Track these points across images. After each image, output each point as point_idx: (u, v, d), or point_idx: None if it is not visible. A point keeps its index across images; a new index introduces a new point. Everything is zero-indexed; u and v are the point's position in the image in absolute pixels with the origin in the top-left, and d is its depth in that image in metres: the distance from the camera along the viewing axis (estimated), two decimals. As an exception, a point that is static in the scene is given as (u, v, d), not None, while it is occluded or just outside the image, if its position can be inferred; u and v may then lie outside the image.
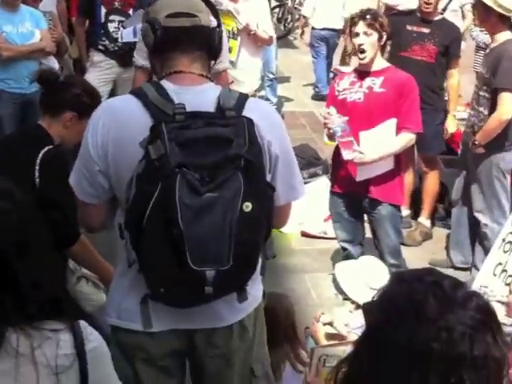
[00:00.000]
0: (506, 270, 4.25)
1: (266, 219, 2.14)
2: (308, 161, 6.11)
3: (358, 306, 3.93)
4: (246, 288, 2.19)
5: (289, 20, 12.89)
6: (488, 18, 4.53)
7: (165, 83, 2.17)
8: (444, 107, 5.44)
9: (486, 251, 4.61)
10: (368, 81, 4.03)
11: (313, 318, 3.80)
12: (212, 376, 2.34)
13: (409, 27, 5.28)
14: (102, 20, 5.75)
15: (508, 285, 4.17)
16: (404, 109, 4.02)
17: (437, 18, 5.36)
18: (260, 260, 2.22)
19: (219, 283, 2.01)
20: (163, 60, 2.24)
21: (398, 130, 4.04)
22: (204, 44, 2.23)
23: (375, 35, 3.95)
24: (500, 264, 4.32)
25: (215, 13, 2.33)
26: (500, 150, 4.58)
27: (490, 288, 4.14)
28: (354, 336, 3.54)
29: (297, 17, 12.52)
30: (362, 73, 4.08)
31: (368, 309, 1.29)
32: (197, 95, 2.15)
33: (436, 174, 5.54)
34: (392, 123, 4.02)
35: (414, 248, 5.22)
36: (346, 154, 3.96)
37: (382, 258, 4.26)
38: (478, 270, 4.58)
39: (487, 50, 4.77)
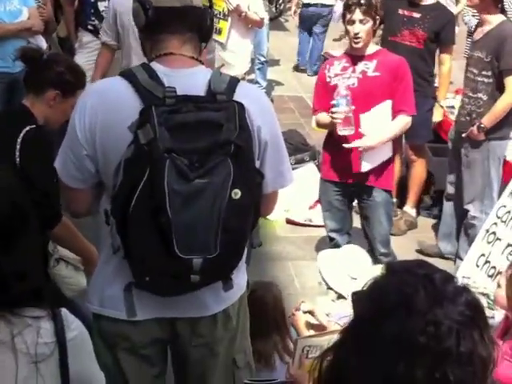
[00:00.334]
0: (489, 261, 4.29)
1: (254, 207, 2.12)
2: (295, 147, 6.09)
3: (339, 296, 3.94)
4: (232, 277, 2.18)
5: (280, 1, 12.79)
6: None
7: (155, 65, 2.13)
8: (433, 94, 5.39)
9: (471, 241, 4.65)
10: (361, 65, 4.00)
11: (295, 306, 3.81)
12: (195, 365, 2.33)
13: (400, 11, 5.21)
14: (92, -1, 5.68)
15: (491, 276, 4.20)
16: (400, 91, 4.02)
17: (429, 3, 5.24)
18: (246, 248, 2.21)
19: (206, 271, 2.00)
20: (153, 41, 2.20)
21: (395, 112, 4.04)
22: (195, 25, 2.19)
23: (370, 22, 3.93)
24: (483, 255, 4.35)
25: None
26: (498, 137, 4.59)
27: (473, 279, 4.18)
28: (334, 326, 3.56)
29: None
30: (354, 57, 4.04)
31: (356, 298, 1.29)
32: (187, 78, 2.11)
33: (423, 163, 5.54)
34: (388, 105, 4.00)
35: (399, 237, 5.22)
36: (343, 130, 3.89)
37: (372, 247, 4.26)
38: (462, 260, 4.61)
39: (479, 34, 4.69)
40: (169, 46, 2.17)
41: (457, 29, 6.22)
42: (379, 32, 4.88)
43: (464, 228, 4.79)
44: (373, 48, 4.08)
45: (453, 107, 5.64)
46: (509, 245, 4.22)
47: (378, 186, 4.13)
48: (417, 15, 5.18)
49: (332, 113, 3.88)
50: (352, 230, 4.48)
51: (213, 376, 2.35)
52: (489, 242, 4.37)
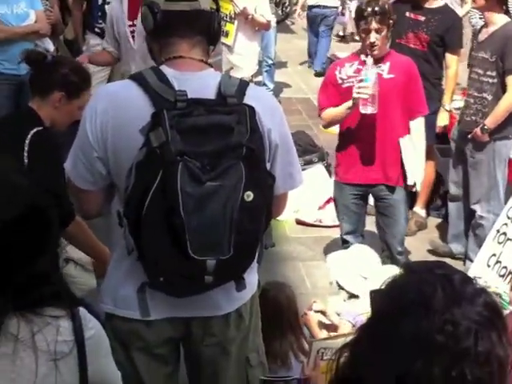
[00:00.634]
0: (500, 262, 4.27)
1: (266, 208, 2.12)
2: (304, 148, 6.08)
3: (351, 296, 3.93)
4: (244, 276, 2.18)
5: (286, 4, 12.82)
6: None
7: (164, 69, 2.14)
8: (440, 97, 5.36)
9: (479, 242, 4.63)
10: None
11: (306, 306, 3.80)
12: (208, 364, 2.33)
13: (407, 14, 5.19)
14: (100, 2, 5.70)
15: (502, 276, 4.18)
16: (415, 92, 4.04)
17: (435, 6, 5.22)
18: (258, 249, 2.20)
19: (219, 272, 2.01)
20: (162, 45, 2.21)
21: (413, 113, 4.06)
22: (204, 28, 2.19)
23: (385, 30, 3.93)
24: (494, 255, 4.33)
25: None
26: (503, 137, 4.58)
27: (484, 279, 4.15)
28: (346, 324, 3.55)
29: (294, 0, 12.50)
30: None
31: (375, 297, 1.29)
32: (197, 81, 2.11)
33: (432, 164, 5.51)
34: (422, 121, 4.12)
35: (409, 238, 5.21)
36: (366, 108, 3.83)
37: (388, 246, 4.26)
38: (471, 261, 4.59)
39: (484, 35, 4.68)
40: (178, 50, 2.17)
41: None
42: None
43: (472, 228, 4.78)
44: (384, 50, 4.08)
45: (460, 109, 5.61)
46: (520, 245, 4.20)
47: (399, 184, 4.13)
48: (421, 18, 5.18)
49: (358, 88, 3.81)
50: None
51: (226, 375, 2.36)
52: (500, 243, 4.34)
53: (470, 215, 4.82)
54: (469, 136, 4.63)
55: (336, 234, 5.25)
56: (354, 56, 4.12)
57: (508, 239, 4.29)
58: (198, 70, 2.16)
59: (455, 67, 5.27)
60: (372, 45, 3.90)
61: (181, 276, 2.04)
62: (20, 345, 1.42)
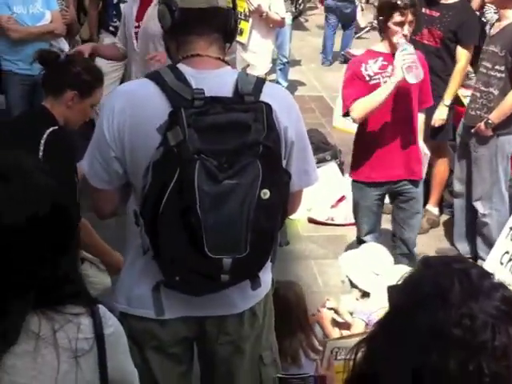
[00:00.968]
0: (513, 259, 4.27)
1: (282, 206, 2.13)
2: (317, 146, 6.07)
3: (363, 294, 3.93)
4: (259, 275, 2.20)
5: (300, 1, 12.77)
6: None
7: (182, 67, 2.14)
8: None
9: (486, 240, 4.62)
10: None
11: (319, 304, 3.81)
12: (222, 363, 2.35)
13: (423, 9, 5.07)
14: (115, 1, 5.73)
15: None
16: (425, 83, 4.05)
17: (450, 1, 5.13)
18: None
19: (235, 271, 2.02)
20: (179, 43, 2.21)
21: (421, 105, 4.08)
22: (221, 26, 2.19)
23: (414, 22, 3.93)
24: (507, 253, 4.32)
25: None
26: (507, 133, 4.55)
27: (497, 277, 4.15)
28: (359, 323, 3.56)
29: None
30: (391, 55, 3.95)
31: (392, 291, 1.30)
32: (214, 79, 2.12)
33: (445, 162, 5.50)
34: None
35: (421, 235, 5.20)
36: (413, 76, 3.79)
37: (405, 242, 4.27)
38: (483, 259, 4.58)
39: (496, 29, 4.64)
40: (196, 48, 2.18)
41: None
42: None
43: (478, 228, 4.76)
44: None
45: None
46: (533, 243, 4.20)
47: (420, 177, 4.17)
48: (436, 14, 5.11)
49: (402, 56, 3.76)
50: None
51: (239, 373, 2.37)
52: (513, 240, 4.34)
53: (472, 212, 4.80)
54: (472, 130, 4.60)
55: (348, 232, 5.26)
56: (375, 53, 4.04)
57: (521, 236, 4.30)
58: (215, 68, 2.17)
59: (464, 62, 5.16)
60: (406, 37, 3.86)
61: (197, 275, 2.05)
62: (41, 342, 1.44)
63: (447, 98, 5.16)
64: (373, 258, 3.81)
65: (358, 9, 11.06)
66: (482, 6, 6.37)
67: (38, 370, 1.44)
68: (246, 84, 2.11)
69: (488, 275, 1.24)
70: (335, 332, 3.55)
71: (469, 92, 5.17)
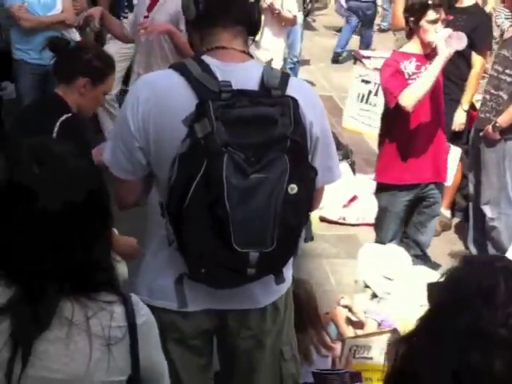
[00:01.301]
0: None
1: (308, 202, 2.09)
2: (328, 145, 6.04)
3: (375, 295, 3.90)
4: (283, 270, 2.16)
5: (307, 1, 12.76)
6: None
7: (207, 59, 2.10)
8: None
9: (496, 244, 4.58)
10: (428, 64, 3.94)
11: (331, 303, 3.77)
12: (243, 357, 2.31)
13: None
14: (126, -9, 5.70)
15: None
16: None
17: (465, 5, 5.11)
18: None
19: (261, 265, 1.98)
20: (204, 35, 2.18)
21: None
22: (245, 19, 2.17)
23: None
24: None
25: None
26: None
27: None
28: (372, 323, 3.53)
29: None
30: (425, 56, 3.97)
31: (432, 290, 1.28)
32: (240, 72, 2.09)
33: (458, 165, 5.45)
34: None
35: (433, 238, 5.15)
36: (458, 44, 3.78)
37: (421, 244, 4.23)
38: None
39: (509, 33, 4.62)
40: (220, 40, 2.14)
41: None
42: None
43: (487, 234, 4.72)
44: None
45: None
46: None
47: (445, 180, 4.18)
48: (450, 17, 5.08)
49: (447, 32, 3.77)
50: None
51: (260, 368, 2.34)
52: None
53: (481, 216, 4.74)
54: (481, 134, 4.58)
55: (360, 231, 5.27)
56: (407, 54, 3.99)
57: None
58: (240, 60, 2.14)
59: (478, 68, 5.13)
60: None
61: (223, 268, 2.02)
62: (74, 329, 1.42)
63: (465, 103, 5.16)
64: (389, 261, 3.76)
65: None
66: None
67: (70, 356, 1.42)
68: (272, 78, 2.07)
69: None
70: (349, 330, 3.51)
71: (481, 96, 5.16)
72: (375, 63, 7.58)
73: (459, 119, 5.16)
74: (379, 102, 7.46)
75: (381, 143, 4.17)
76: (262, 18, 6.50)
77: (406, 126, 3.96)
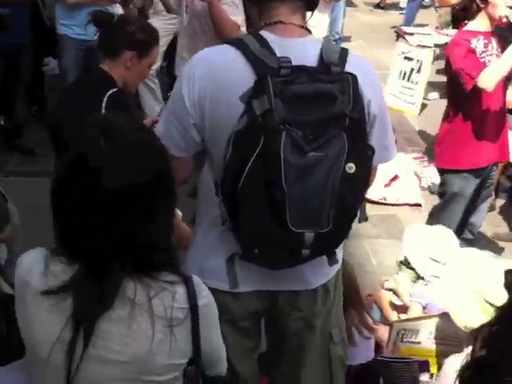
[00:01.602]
0: None
1: (365, 181, 2.05)
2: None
3: (418, 277, 3.85)
4: (336, 251, 2.13)
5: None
6: None
7: (265, 34, 2.05)
8: None
9: None
10: (493, 41, 3.87)
11: (373, 284, 3.74)
12: (292, 339, 2.30)
13: None
14: (169, -32, 5.64)
15: None
16: None
17: None
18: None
19: (316, 246, 1.94)
20: (262, 9, 2.12)
21: None
22: None
23: None
24: None
25: None
26: None
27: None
28: (416, 306, 3.48)
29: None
30: (489, 34, 3.88)
31: (510, 276, 1.24)
32: (299, 48, 2.03)
33: None
34: None
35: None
36: None
37: (473, 225, 4.20)
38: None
39: None
40: (279, 14, 2.09)
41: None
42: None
43: None
44: None
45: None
46: None
47: (508, 159, 4.16)
48: None
49: None
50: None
51: (309, 350, 2.32)
52: None
53: None
54: None
55: (400, 211, 5.23)
56: (474, 32, 3.88)
57: None
58: (299, 36, 2.08)
59: None
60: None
61: (277, 248, 1.98)
62: (137, 309, 1.40)
63: None
64: (436, 242, 3.70)
65: None
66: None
67: (132, 337, 1.41)
68: (331, 53, 2.02)
69: None
70: (393, 314, 3.48)
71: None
72: (418, 40, 7.48)
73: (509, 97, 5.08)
74: (421, 80, 7.37)
75: (447, 128, 4.06)
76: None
77: (479, 108, 3.86)
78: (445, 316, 2.73)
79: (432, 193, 5.55)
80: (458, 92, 3.89)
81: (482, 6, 3.82)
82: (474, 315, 2.47)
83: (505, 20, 3.72)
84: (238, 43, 2.02)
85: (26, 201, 3.60)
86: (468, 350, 1.28)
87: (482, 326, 1.27)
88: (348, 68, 2.00)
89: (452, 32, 7.42)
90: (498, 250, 4.62)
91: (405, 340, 2.65)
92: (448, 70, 4.02)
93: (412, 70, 7.37)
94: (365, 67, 2.16)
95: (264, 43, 2.00)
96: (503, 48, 3.80)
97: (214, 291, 2.12)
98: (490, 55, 3.80)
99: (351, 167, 1.90)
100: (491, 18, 3.80)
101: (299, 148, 1.85)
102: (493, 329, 1.23)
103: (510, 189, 5.52)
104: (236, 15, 4.37)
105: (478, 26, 3.88)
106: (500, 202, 5.48)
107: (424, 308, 3.48)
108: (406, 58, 7.43)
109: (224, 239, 2.09)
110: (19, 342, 1.51)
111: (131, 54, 2.95)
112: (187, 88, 2.04)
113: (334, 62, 1.99)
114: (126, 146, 1.40)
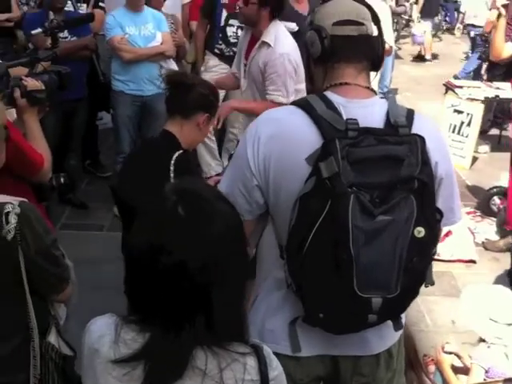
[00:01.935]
0: None
1: (434, 245, 2.00)
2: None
3: (480, 339, 3.74)
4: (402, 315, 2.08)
5: (394, 28, 12.67)
6: None
7: (331, 95, 2.03)
8: None
9: None
10: None
11: (428, 343, 3.65)
12: None
13: None
14: (222, 23, 5.76)
15: None
16: None
17: None
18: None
19: (383, 311, 1.90)
20: (327, 70, 2.10)
21: None
22: (369, 54, 2.08)
23: None
24: None
25: (376, 19, 2.15)
26: None
27: None
28: (478, 369, 3.37)
29: (402, 25, 12.36)
30: None
31: None
32: (365, 109, 2.00)
33: None
34: None
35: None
36: None
37: None
38: None
39: None
40: (344, 75, 2.07)
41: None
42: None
43: None
44: None
45: None
46: None
47: None
48: None
49: None
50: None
51: None
52: None
53: None
54: None
55: (454, 268, 5.12)
56: None
57: None
58: (365, 97, 2.05)
59: None
60: None
61: (343, 313, 1.93)
62: (208, 380, 1.37)
63: None
64: (493, 302, 3.61)
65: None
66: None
67: None
68: (398, 115, 1.98)
69: None
70: (456, 379, 3.37)
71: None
72: (468, 93, 7.44)
73: None
74: (472, 133, 7.31)
75: None
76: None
77: None
78: (510, 382, 2.63)
79: (486, 249, 5.45)
80: None
81: None
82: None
83: None
84: (305, 105, 2.00)
85: (78, 254, 3.62)
86: None
87: None
88: (414, 129, 1.97)
89: (502, 85, 7.39)
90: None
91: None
92: None
93: (462, 123, 7.32)
94: (431, 129, 2.12)
95: (330, 105, 1.98)
96: None
97: (275, 355, 2.11)
98: None
99: (420, 231, 1.86)
100: None
101: (368, 211, 1.81)
102: None
103: None
104: (277, 91, 4.18)
105: None
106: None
107: (486, 372, 3.37)
108: (455, 111, 7.39)
109: (288, 301, 2.05)
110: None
111: (206, 116, 2.98)
112: (252, 150, 2.03)
113: (402, 123, 1.96)
114: (209, 217, 1.38)
